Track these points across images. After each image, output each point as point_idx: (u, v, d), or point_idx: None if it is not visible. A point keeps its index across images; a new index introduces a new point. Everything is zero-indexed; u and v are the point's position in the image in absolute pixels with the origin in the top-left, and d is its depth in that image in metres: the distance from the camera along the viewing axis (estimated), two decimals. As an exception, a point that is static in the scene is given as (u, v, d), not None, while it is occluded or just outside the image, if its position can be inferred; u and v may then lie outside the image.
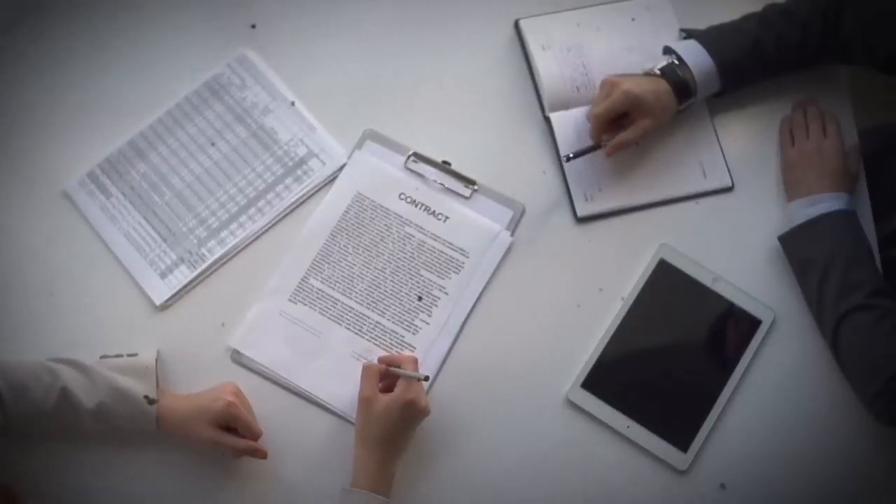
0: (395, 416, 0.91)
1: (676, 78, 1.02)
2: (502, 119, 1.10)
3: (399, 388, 0.93)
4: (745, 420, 0.99)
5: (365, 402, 0.92)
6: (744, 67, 1.03)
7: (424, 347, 1.01)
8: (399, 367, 0.95)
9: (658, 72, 1.02)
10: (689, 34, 1.07)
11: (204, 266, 1.03)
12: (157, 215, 1.05)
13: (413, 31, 1.13)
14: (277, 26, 1.13)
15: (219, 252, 1.04)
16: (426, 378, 0.94)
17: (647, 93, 1.00)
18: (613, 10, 1.12)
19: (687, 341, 1.02)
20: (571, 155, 1.03)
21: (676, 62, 1.02)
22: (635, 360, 1.01)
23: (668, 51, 1.05)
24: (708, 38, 1.04)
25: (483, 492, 0.98)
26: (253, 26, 1.12)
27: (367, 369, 0.94)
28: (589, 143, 1.05)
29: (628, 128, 1.01)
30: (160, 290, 1.02)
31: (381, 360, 0.97)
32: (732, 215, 1.06)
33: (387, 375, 0.95)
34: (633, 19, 1.11)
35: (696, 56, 1.02)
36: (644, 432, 0.98)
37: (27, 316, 1.02)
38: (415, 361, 0.95)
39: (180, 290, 1.02)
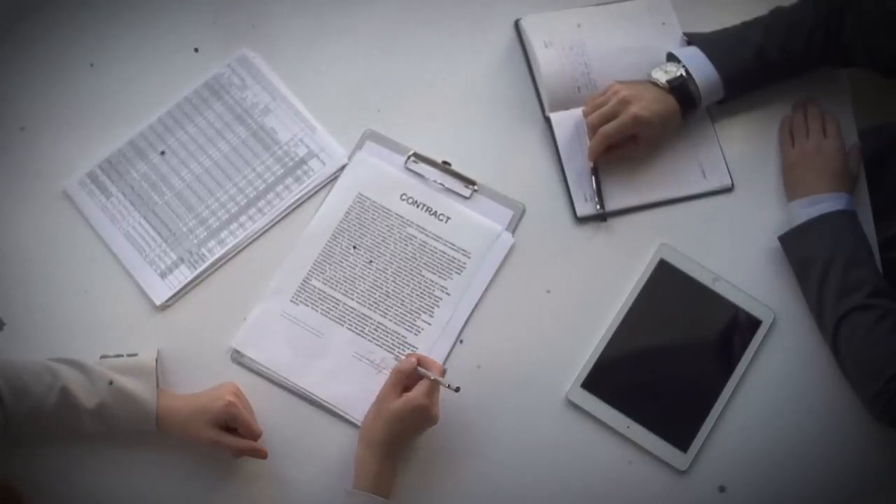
0: (405, 418, 0.92)
1: (685, 93, 1.02)
2: (502, 119, 1.11)
3: (417, 390, 0.92)
4: (746, 420, 1.00)
5: (381, 399, 0.93)
6: (748, 78, 1.04)
7: (426, 348, 1.01)
8: (428, 370, 0.95)
9: (666, 84, 1.02)
10: (691, 39, 1.07)
11: (204, 266, 1.03)
12: (157, 215, 1.05)
13: (413, 31, 1.14)
14: (278, 26, 1.13)
15: (219, 252, 1.04)
16: (457, 389, 0.93)
17: (655, 116, 1.01)
18: (615, 10, 1.12)
19: (687, 341, 1.03)
20: (603, 211, 1.05)
21: (685, 74, 1.02)
22: (635, 360, 1.02)
23: (671, 58, 1.05)
24: (712, 47, 1.03)
25: (484, 491, 0.98)
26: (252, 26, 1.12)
27: (396, 372, 0.94)
28: (586, 145, 1.06)
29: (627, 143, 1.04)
30: (160, 290, 1.03)
31: (412, 355, 0.96)
32: (732, 215, 1.07)
33: (413, 375, 0.94)
34: (634, 20, 1.12)
35: (701, 69, 1.02)
36: (644, 432, 0.98)
37: (27, 316, 1.02)
38: (443, 371, 0.96)
39: (180, 290, 1.03)
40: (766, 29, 1.03)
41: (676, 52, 1.05)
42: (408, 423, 0.92)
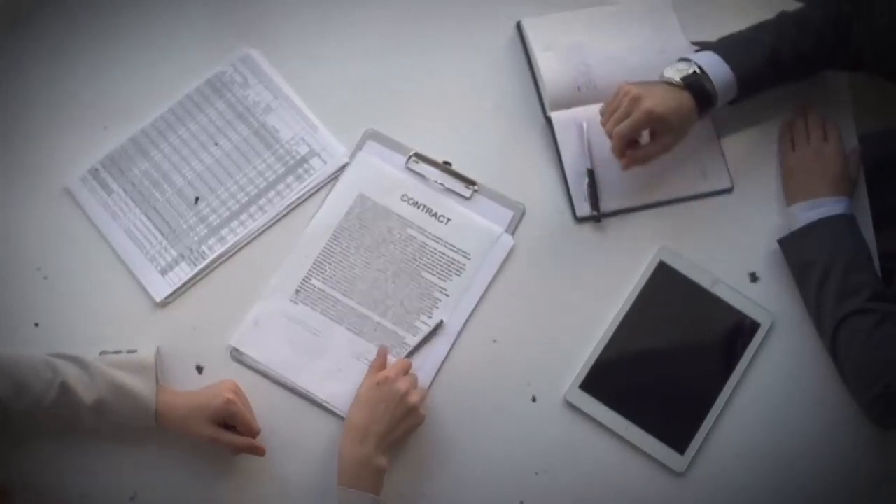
0: (373, 394, 0.94)
1: (700, 89, 1.01)
2: (503, 119, 1.12)
3: (386, 369, 0.97)
4: (743, 423, 1.00)
5: (357, 389, 0.96)
6: (761, 78, 1.03)
7: (424, 349, 1.02)
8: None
9: (681, 81, 1.01)
10: (702, 46, 1.06)
11: (204, 263, 1.04)
12: (158, 212, 1.06)
13: (415, 31, 1.15)
14: (280, 25, 1.14)
15: (219, 250, 1.05)
16: (440, 323, 1.02)
17: (670, 111, 0.99)
18: (616, 12, 1.14)
19: (686, 344, 1.03)
20: (597, 213, 1.06)
21: (698, 71, 1.01)
22: (634, 361, 1.03)
23: (683, 60, 1.04)
24: (725, 49, 1.03)
25: (481, 492, 0.99)
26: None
27: (370, 368, 0.98)
28: (588, 146, 1.07)
29: (648, 142, 1.02)
30: (160, 288, 1.03)
31: (384, 347, 1.01)
32: (732, 217, 1.08)
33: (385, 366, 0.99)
34: (634, 21, 1.13)
35: (716, 67, 1.01)
36: (642, 434, 0.99)
37: (28, 311, 1.03)
38: (409, 366, 0.99)
39: (181, 287, 1.03)
40: (777, 30, 1.03)
41: (689, 56, 1.04)
42: (377, 401, 0.93)
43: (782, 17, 1.05)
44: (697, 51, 1.06)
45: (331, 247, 1.05)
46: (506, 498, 0.99)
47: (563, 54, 1.10)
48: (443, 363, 1.02)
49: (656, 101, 0.99)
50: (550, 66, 1.09)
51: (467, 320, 1.04)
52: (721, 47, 1.03)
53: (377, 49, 1.14)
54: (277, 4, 1.15)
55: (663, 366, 1.03)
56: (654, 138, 1.02)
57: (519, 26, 1.13)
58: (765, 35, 1.04)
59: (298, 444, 1.00)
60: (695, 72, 1.01)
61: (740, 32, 1.06)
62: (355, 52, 1.14)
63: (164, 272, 1.04)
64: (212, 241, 1.05)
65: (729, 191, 1.08)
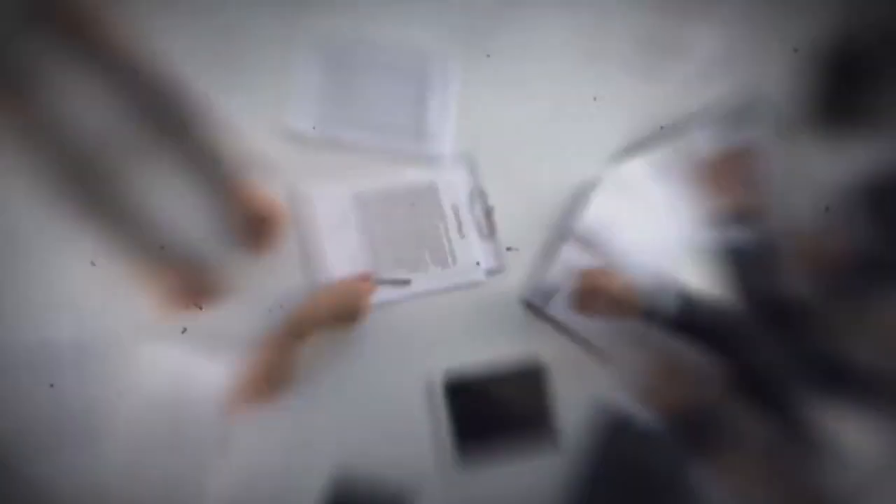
0: (349, 290, 1.17)
1: (650, 316, 1.15)
2: (545, 223, 1.33)
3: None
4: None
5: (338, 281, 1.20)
6: (691, 339, 1.16)
7: (385, 287, 1.26)
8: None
9: (638, 294, 1.15)
10: (679, 295, 1.16)
11: (334, 134, 1.30)
12: (350, 92, 1.32)
13: (560, 117, 1.35)
14: (492, 52, 1.37)
15: (349, 138, 1.30)
16: (408, 281, 1.24)
17: (622, 299, 1.15)
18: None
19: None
20: (541, 308, 1.26)
21: (667, 312, 1.13)
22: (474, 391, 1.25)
23: (659, 291, 1.16)
24: (688, 306, 1.14)
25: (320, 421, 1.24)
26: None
27: (358, 274, 1.22)
28: (571, 277, 1.26)
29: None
30: (304, 123, 1.29)
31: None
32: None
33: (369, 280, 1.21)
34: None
35: (671, 309, 1.14)
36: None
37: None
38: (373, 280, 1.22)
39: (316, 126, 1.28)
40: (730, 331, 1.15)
41: (664, 295, 1.15)
42: (348, 295, 1.16)
43: (738, 326, 1.16)
44: (676, 296, 1.16)
45: (396, 191, 1.30)
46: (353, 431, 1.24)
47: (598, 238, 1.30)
48: (383, 305, 1.24)
49: (620, 284, 1.15)
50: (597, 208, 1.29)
51: (419, 294, 1.26)
52: (687, 304, 1.14)
53: (541, 102, 1.34)
54: (507, 33, 1.35)
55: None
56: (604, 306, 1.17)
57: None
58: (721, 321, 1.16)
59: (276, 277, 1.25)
60: (657, 300, 1.13)
61: (706, 303, 1.16)
62: (517, 95, 1.34)
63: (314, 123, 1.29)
64: (353, 128, 1.30)
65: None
